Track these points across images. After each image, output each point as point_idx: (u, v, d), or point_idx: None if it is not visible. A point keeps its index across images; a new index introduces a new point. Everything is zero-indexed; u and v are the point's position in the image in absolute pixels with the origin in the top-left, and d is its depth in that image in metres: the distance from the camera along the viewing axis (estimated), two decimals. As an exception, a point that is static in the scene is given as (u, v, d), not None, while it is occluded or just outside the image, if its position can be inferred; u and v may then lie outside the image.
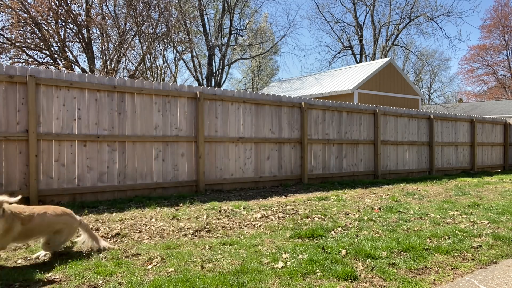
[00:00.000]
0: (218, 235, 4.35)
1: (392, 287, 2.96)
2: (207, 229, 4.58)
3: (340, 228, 4.66)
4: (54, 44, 18.64)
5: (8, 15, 16.95)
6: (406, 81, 19.26)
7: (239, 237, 4.24)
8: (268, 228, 4.69)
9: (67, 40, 19.24)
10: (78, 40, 19.06)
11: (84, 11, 18.64)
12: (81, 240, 3.67)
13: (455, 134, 13.48)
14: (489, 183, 9.96)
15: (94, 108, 6.59)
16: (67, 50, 18.97)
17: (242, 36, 28.91)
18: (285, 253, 3.63)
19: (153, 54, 16.57)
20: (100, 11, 18.88)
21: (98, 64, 19.45)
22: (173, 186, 7.38)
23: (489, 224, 5.00)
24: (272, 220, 5.15)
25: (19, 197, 3.36)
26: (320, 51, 75.17)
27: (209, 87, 9.95)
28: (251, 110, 8.54)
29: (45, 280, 2.95)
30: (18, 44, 17.40)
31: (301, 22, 61.37)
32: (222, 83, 27.19)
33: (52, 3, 17.38)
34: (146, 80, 7.50)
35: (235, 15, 27.73)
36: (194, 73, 26.50)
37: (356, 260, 3.51)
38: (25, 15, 16.77)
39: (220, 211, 5.66)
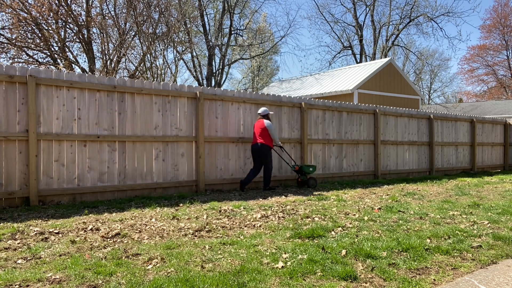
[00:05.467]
0: (218, 235, 4.35)
1: (392, 287, 2.96)
2: (207, 229, 4.58)
3: (340, 228, 4.66)
4: (54, 44, 18.65)
5: (9, 15, 16.96)
6: (406, 81, 19.26)
7: (239, 237, 4.24)
8: (268, 228, 4.69)
9: (67, 40, 19.25)
10: (78, 40, 19.06)
11: (84, 11, 18.65)
12: None
13: (455, 134, 13.48)
14: (489, 183, 9.96)
15: (94, 108, 6.59)
16: (67, 50, 18.97)
17: (242, 36, 28.91)
18: (285, 253, 3.63)
19: (153, 54, 16.57)
20: (100, 11, 18.89)
21: (98, 64, 19.45)
22: (173, 186, 7.38)
23: (489, 224, 5.00)
24: (272, 220, 5.15)
25: None
26: (320, 51, 75.13)
27: (209, 87, 9.95)
28: (251, 110, 8.54)
29: (45, 280, 2.95)
30: (18, 44, 17.40)
31: (301, 22, 61.40)
32: (222, 83, 27.19)
33: (53, 3, 17.38)
34: (146, 80, 7.50)
35: (235, 15, 27.74)
36: (194, 73, 26.50)
37: (356, 260, 3.51)
38: (26, 15, 16.78)
39: (220, 211, 5.66)
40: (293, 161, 8.82)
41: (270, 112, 8.26)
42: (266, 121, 7.94)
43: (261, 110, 8.14)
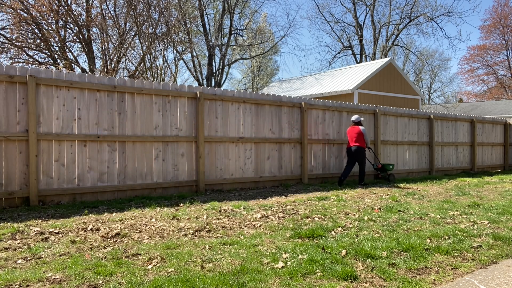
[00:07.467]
0: (218, 235, 4.35)
1: (392, 287, 2.96)
2: (207, 229, 4.58)
3: (340, 228, 4.66)
4: (55, 44, 18.66)
5: (9, 15, 16.97)
6: (406, 81, 19.25)
7: (239, 237, 4.24)
8: (268, 228, 4.69)
9: (67, 40, 19.26)
10: (78, 40, 19.06)
11: (84, 11, 18.66)
12: None
13: (455, 134, 13.48)
14: (489, 183, 9.96)
15: (94, 108, 6.59)
16: (67, 50, 18.98)
17: (242, 36, 28.91)
18: (285, 253, 3.63)
19: (153, 54, 16.57)
20: (100, 11, 18.89)
21: (98, 64, 19.46)
22: (173, 186, 7.38)
23: (489, 224, 5.00)
24: (272, 220, 5.15)
25: None
26: (320, 51, 75.14)
27: (209, 87, 9.95)
28: (251, 110, 8.54)
29: (45, 280, 2.95)
30: (18, 44, 17.40)
31: (301, 22, 61.36)
32: (222, 83, 27.19)
33: (53, 3, 17.39)
34: (146, 80, 7.50)
35: (235, 15, 27.74)
36: (194, 73, 26.50)
37: (356, 260, 3.51)
38: (26, 15, 16.78)
39: (220, 211, 5.66)
40: (378, 160, 10.32)
41: (361, 119, 9.61)
42: (361, 127, 9.27)
43: (355, 117, 9.45)
